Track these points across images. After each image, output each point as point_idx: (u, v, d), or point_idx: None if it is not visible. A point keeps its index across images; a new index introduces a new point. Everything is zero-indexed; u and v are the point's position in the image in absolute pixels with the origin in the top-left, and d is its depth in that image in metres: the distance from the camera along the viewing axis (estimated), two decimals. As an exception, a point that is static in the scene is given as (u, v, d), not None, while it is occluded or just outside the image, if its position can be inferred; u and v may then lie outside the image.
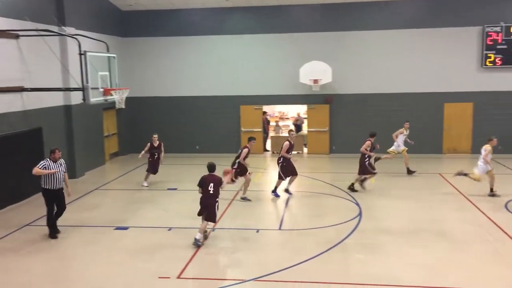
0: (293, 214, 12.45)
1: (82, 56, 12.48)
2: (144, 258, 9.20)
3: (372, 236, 10.24)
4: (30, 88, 13.48)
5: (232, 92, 20.01)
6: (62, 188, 10.32)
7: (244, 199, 13.08)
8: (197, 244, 9.59)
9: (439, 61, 18.85)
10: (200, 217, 9.92)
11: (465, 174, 13.38)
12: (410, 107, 18.89)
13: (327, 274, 8.35)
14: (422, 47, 18.86)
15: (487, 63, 18.51)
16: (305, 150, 20.56)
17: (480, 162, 13.04)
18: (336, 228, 10.74)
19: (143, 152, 14.84)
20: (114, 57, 14.59)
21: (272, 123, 23.24)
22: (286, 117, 25.55)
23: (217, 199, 9.81)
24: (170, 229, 10.81)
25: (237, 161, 12.90)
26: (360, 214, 11.72)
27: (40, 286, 8.26)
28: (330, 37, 19.22)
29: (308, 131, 20.42)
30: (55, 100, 15.17)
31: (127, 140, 20.47)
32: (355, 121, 19.40)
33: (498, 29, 18.31)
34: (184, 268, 8.68)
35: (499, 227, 10.58)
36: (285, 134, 21.29)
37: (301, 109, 22.52)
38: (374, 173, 13.90)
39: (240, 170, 12.88)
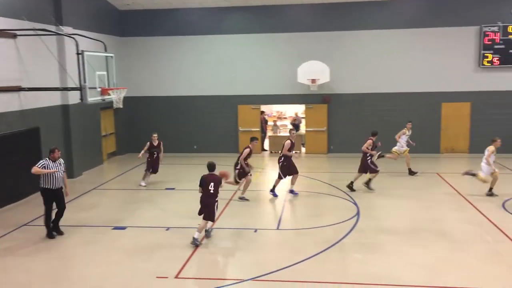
0: (291, 213, 12.45)
1: (80, 56, 12.45)
2: (142, 258, 9.19)
3: (370, 235, 10.25)
4: (28, 88, 13.45)
5: (230, 91, 19.99)
6: (61, 188, 10.31)
7: (242, 199, 13.06)
8: (195, 244, 9.59)
9: (437, 61, 18.86)
10: (201, 216, 9.92)
11: (473, 175, 13.33)
12: (408, 107, 18.91)
13: (325, 273, 8.36)
14: (419, 47, 18.88)
15: (485, 62, 18.53)
16: (303, 149, 20.56)
17: (483, 163, 13.04)
18: (334, 227, 10.74)
19: (142, 151, 14.78)
20: (111, 56, 14.54)
21: (270, 123, 23.26)
22: (284, 116, 25.59)
23: (217, 199, 9.82)
24: (168, 228, 10.80)
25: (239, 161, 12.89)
26: (358, 213, 11.74)
27: (40, 285, 8.24)
28: (328, 37, 19.22)
29: (306, 130, 20.41)
30: (53, 99, 15.14)
31: (125, 140, 20.44)
32: (353, 121, 19.40)
33: (495, 29, 18.34)
34: (182, 268, 8.67)
35: (497, 227, 10.59)
36: (283, 133, 21.37)
37: (299, 109, 22.53)
38: (377, 171, 13.84)
39: (243, 171, 12.84)
